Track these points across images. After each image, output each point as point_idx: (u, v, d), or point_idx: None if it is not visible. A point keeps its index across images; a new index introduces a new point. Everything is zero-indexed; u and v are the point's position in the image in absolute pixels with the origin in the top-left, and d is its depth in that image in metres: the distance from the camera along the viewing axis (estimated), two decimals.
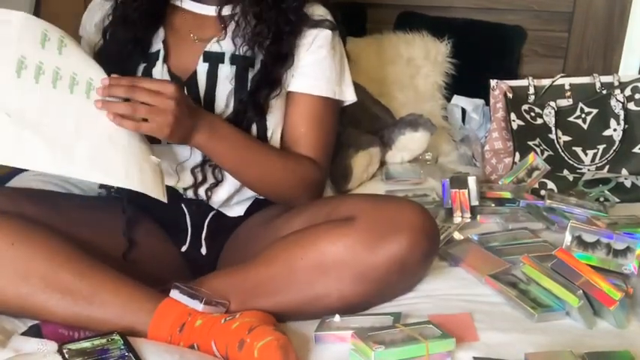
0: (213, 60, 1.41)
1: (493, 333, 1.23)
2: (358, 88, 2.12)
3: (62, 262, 1.21)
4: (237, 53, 1.41)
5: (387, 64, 2.25)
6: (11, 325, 1.24)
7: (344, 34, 1.52)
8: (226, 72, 1.41)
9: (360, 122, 2.09)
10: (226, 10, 1.43)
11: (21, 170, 1.66)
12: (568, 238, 1.43)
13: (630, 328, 1.27)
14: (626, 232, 1.43)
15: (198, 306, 1.20)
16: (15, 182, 1.67)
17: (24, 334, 1.19)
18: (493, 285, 1.36)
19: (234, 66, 1.41)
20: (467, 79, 2.29)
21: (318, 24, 1.44)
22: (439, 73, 2.28)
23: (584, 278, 1.26)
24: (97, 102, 1.20)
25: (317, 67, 1.43)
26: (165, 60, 1.42)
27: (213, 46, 1.42)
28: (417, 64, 2.26)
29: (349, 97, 1.49)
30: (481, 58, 2.32)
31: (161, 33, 1.44)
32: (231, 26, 1.42)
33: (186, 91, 1.39)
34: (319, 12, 1.47)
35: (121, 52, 1.38)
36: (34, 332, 1.19)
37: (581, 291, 1.24)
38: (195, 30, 1.44)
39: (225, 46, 1.41)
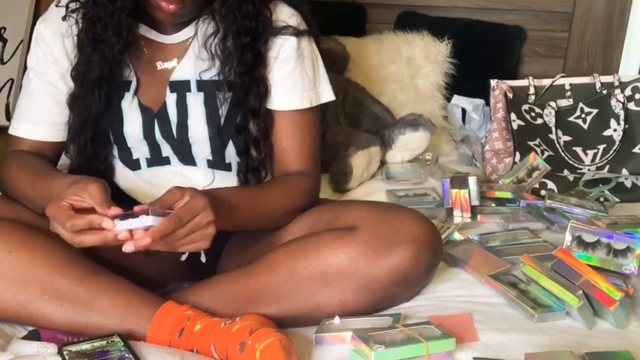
0: (180, 89, 1.37)
1: (493, 333, 1.23)
2: (358, 87, 2.15)
3: (60, 268, 1.21)
4: (202, 79, 1.36)
5: (387, 64, 2.25)
6: (11, 329, 1.24)
7: (315, 31, 1.45)
8: (195, 100, 1.37)
9: (360, 122, 2.09)
10: (187, 33, 1.38)
11: None
12: (568, 238, 1.43)
13: (630, 328, 1.27)
14: (626, 232, 1.43)
15: (148, 220, 1.12)
16: None
17: (24, 338, 1.19)
18: (493, 285, 1.36)
19: (202, 92, 1.37)
20: (467, 79, 2.29)
21: (280, 31, 1.37)
22: (439, 73, 2.28)
23: (584, 278, 1.26)
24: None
25: (288, 81, 1.38)
26: (136, 91, 1.38)
27: (177, 75, 1.38)
28: (418, 64, 2.26)
29: (327, 97, 1.45)
30: (481, 58, 2.32)
31: (128, 62, 1.37)
32: (193, 51, 1.37)
33: (157, 124, 1.38)
34: (283, 16, 1.38)
35: (92, 88, 1.34)
36: (34, 337, 1.19)
37: (581, 291, 1.24)
38: (159, 56, 1.39)
39: (190, 73, 1.37)
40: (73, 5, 1.35)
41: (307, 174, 1.41)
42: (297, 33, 1.39)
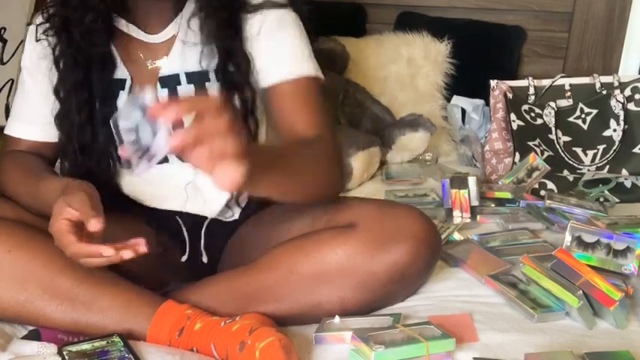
0: (171, 84, 1.36)
1: (493, 333, 1.23)
2: (358, 88, 2.15)
3: (60, 268, 1.20)
4: (190, 71, 1.36)
5: (387, 64, 2.26)
6: (11, 329, 1.24)
7: (300, 8, 1.40)
8: (185, 93, 1.35)
9: (360, 122, 2.10)
10: (173, 30, 1.37)
11: None
12: (568, 238, 1.43)
13: (630, 328, 1.27)
14: (626, 232, 1.43)
15: (164, 132, 0.92)
16: None
17: (24, 338, 1.19)
18: (493, 285, 1.36)
19: (192, 84, 1.36)
20: (467, 79, 2.30)
21: (258, 8, 1.34)
22: (439, 73, 2.28)
23: (584, 278, 1.26)
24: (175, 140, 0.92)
25: (275, 53, 1.34)
26: (130, 90, 1.36)
27: (166, 70, 1.37)
28: (417, 64, 2.27)
29: (317, 72, 1.37)
30: (481, 58, 2.32)
31: (119, 59, 1.36)
32: (179, 45, 1.36)
33: None
34: None
35: (79, 85, 1.34)
36: (34, 337, 1.19)
37: (581, 291, 1.24)
38: (148, 56, 1.38)
39: (178, 66, 1.36)
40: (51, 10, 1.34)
41: (323, 138, 1.31)
42: (277, 6, 1.36)
